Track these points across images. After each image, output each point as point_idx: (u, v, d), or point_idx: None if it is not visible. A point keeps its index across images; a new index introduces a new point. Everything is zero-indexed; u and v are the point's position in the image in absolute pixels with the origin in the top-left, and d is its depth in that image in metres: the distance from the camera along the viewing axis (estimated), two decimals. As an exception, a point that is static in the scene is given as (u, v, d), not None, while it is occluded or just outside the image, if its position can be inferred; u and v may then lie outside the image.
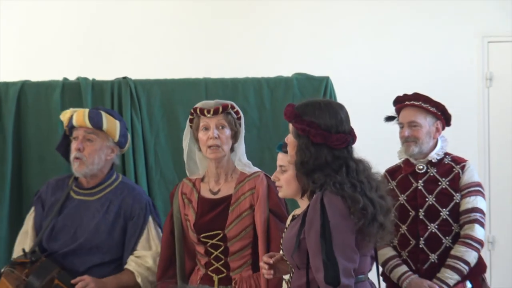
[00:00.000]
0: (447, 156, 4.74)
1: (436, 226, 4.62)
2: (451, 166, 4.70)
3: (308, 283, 3.62)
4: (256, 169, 4.46)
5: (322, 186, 3.58)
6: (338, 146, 3.63)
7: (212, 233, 4.36)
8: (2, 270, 4.46)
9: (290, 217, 4.08)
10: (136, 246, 4.58)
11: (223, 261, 4.39)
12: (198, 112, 4.41)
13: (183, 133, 5.08)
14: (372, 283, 3.77)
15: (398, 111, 4.79)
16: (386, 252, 4.66)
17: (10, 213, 5.10)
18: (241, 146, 4.47)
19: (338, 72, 5.67)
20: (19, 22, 6.74)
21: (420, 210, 4.64)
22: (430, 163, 4.70)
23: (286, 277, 3.94)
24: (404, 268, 4.63)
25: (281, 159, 3.98)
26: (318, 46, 6.58)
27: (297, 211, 4.01)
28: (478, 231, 4.59)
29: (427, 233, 4.62)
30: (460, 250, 4.57)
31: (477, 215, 4.61)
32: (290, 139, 3.73)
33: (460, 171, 4.68)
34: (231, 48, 6.56)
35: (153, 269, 4.55)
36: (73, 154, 4.59)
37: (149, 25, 6.63)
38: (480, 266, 4.69)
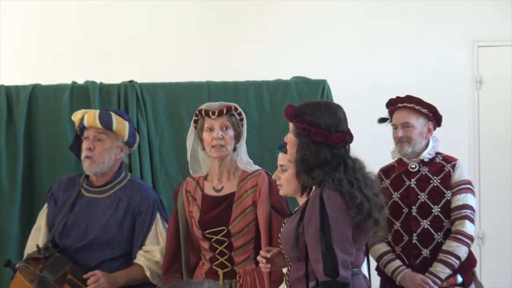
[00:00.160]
0: (438, 156, 4.75)
1: (428, 223, 4.63)
2: (442, 165, 4.71)
3: (307, 275, 3.63)
4: (257, 167, 4.48)
5: (321, 183, 3.61)
6: (337, 145, 3.66)
7: (216, 229, 4.38)
8: (17, 265, 4.46)
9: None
10: (144, 241, 4.59)
11: (227, 256, 4.41)
12: (203, 113, 4.43)
13: (187, 133, 5.12)
14: (365, 276, 3.81)
15: (391, 113, 4.80)
16: (381, 248, 4.68)
17: (21, 210, 5.11)
18: (243, 146, 4.48)
19: (335, 76, 5.68)
20: (30, 28, 6.76)
21: (413, 207, 4.65)
22: (422, 162, 4.72)
23: (285, 270, 3.97)
24: (397, 262, 4.64)
25: (281, 158, 3.99)
26: (316, 50, 6.60)
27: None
28: (468, 227, 4.61)
29: (419, 229, 4.63)
30: (451, 245, 4.58)
31: (467, 212, 4.62)
32: (290, 138, 3.75)
33: (451, 169, 4.69)
34: (232, 53, 6.57)
35: (161, 263, 4.56)
36: (84, 153, 4.60)
37: (154, 32, 6.66)
38: (470, 261, 4.71)
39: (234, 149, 4.46)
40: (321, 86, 5.31)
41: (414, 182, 4.70)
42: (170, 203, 4.86)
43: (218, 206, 4.42)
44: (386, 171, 4.80)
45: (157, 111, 5.25)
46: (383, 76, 6.41)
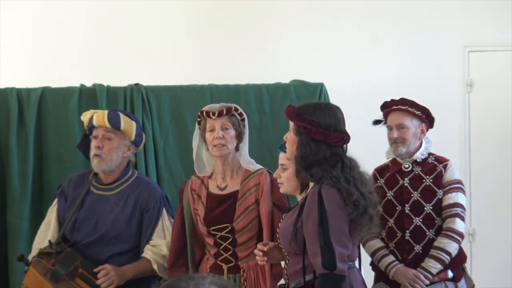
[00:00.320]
0: (430, 156, 4.76)
1: (421, 220, 4.64)
2: (434, 165, 4.72)
3: (304, 268, 3.66)
4: (259, 166, 4.50)
5: (319, 180, 3.65)
6: (336, 144, 3.70)
7: (221, 226, 4.41)
8: (31, 260, 4.48)
9: None
10: (151, 236, 4.61)
11: (231, 252, 4.43)
12: (204, 114, 4.46)
13: (190, 134, 5.14)
14: (359, 270, 3.85)
15: (385, 115, 4.81)
16: (375, 244, 4.69)
17: (31, 208, 5.13)
18: (245, 146, 4.49)
19: (331, 79, 5.70)
20: (41, 33, 6.75)
21: (406, 205, 4.66)
22: (415, 162, 4.73)
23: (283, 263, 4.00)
24: (391, 258, 4.65)
25: (282, 158, 4.01)
26: (313, 55, 6.58)
27: None
28: (459, 224, 4.62)
29: (412, 226, 4.64)
30: (442, 241, 4.59)
31: (458, 210, 4.63)
32: (290, 136, 3.78)
33: (442, 169, 4.70)
34: (234, 57, 6.56)
35: (167, 257, 4.59)
36: (93, 151, 4.62)
37: (159, 37, 6.63)
38: (460, 257, 4.71)
39: (237, 148, 4.49)
40: (319, 89, 5.33)
41: (408, 181, 4.70)
42: (174, 201, 4.86)
43: (223, 204, 4.44)
44: (380, 170, 4.81)
45: (162, 113, 5.27)
46: (378, 80, 6.41)
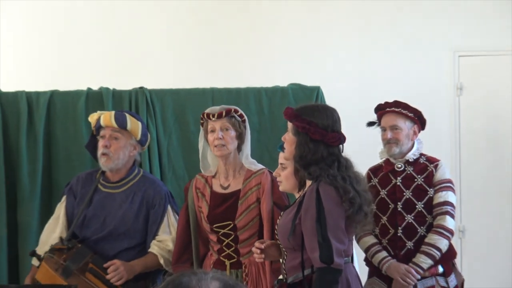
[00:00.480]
0: (422, 156, 4.78)
1: (412, 217, 4.67)
2: (425, 165, 4.74)
3: (302, 263, 3.68)
4: (261, 166, 4.51)
5: (317, 178, 3.67)
6: (333, 144, 3.72)
7: (223, 223, 4.43)
8: (43, 255, 4.50)
9: None
10: (157, 232, 4.62)
11: (233, 248, 4.44)
12: (205, 116, 4.48)
13: (193, 136, 5.19)
14: (353, 266, 3.88)
15: (379, 117, 4.83)
16: (369, 240, 4.71)
17: (41, 206, 5.13)
18: (247, 146, 4.51)
19: (328, 83, 5.71)
20: (50, 39, 6.74)
21: (399, 203, 4.68)
22: (407, 162, 4.75)
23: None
24: (384, 253, 4.67)
25: (281, 157, 4.03)
26: (311, 60, 6.58)
27: None
28: (449, 222, 4.63)
29: (404, 223, 4.66)
30: (433, 238, 4.61)
31: (448, 208, 4.65)
32: (288, 137, 3.81)
33: (433, 169, 4.72)
34: (234, 62, 6.56)
35: (173, 251, 4.60)
36: (100, 150, 4.63)
37: (163, 43, 6.57)
38: (450, 252, 4.74)
39: (240, 149, 4.50)
40: (315, 92, 5.34)
41: (400, 180, 4.73)
42: (177, 198, 4.88)
43: (225, 202, 4.46)
44: (374, 170, 4.83)
45: (165, 115, 5.28)
46: (373, 84, 6.40)
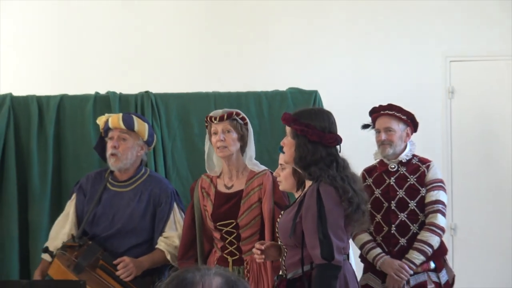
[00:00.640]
0: (414, 157, 4.80)
1: (405, 215, 4.69)
2: (418, 166, 4.76)
3: (302, 260, 3.71)
4: (263, 167, 4.53)
5: (317, 178, 3.70)
6: (331, 144, 3.74)
7: (226, 221, 4.45)
8: (55, 252, 4.53)
9: None
10: (164, 228, 4.63)
11: (236, 245, 4.46)
12: (209, 119, 4.52)
13: (196, 138, 5.22)
14: (350, 263, 3.91)
15: (374, 119, 4.85)
16: (363, 237, 4.73)
17: (51, 205, 5.15)
18: (250, 148, 4.52)
19: (325, 87, 5.71)
20: (60, 45, 6.75)
21: (392, 202, 4.70)
22: (400, 163, 4.77)
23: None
24: (378, 250, 4.69)
25: (281, 158, 4.07)
26: (309, 65, 6.59)
27: None
28: (440, 219, 4.66)
29: (397, 221, 4.68)
30: (425, 235, 4.63)
31: (440, 206, 4.68)
32: (287, 140, 3.82)
33: (425, 169, 4.74)
34: (236, 67, 6.57)
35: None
36: (109, 151, 4.65)
37: (168, 48, 6.60)
38: (442, 249, 4.75)
39: (244, 151, 4.52)
40: (313, 96, 5.35)
41: (393, 180, 4.75)
42: (181, 197, 4.89)
43: (229, 201, 4.48)
44: (369, 171, 4.85)
45: (170, 118, 5.29)
46: (368, 87, 6.41)
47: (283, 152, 3.97)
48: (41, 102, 5.26)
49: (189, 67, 6.57)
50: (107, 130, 4.70)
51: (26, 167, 5.18)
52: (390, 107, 4.81)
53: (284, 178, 4.05)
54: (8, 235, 5.08)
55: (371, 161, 4.92)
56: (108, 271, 4.51)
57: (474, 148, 6.52)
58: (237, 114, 4.50)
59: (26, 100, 5.26)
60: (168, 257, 4.61)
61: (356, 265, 4.43)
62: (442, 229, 4.68)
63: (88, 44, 6.66)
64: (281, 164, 4.08)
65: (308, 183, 3.80)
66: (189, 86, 5.65)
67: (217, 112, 4.53)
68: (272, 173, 4.43)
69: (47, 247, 4.62)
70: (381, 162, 4.83)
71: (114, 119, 4.66)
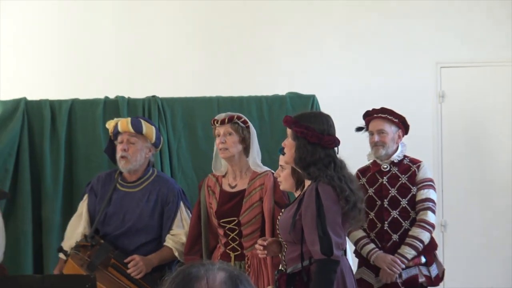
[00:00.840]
0: (406, 158, 4.84)
1: (397, 213, 4.71)
2: (409, 166, 4.79)
3: (302, 255, 3.74)
4: (266, 168, 4.55)
5: (316, 178, 3.73)
6: (329, 146, 3.77)
7: (229, 219, 4.48)
8: (69, 252, 4.55)
9: None
10: (172, 226, 4.66)
11: (238, 242, 4.48)
12: (213, 122, 4.57)
13: (200, 140, 5.26)
14: (346, 258, 3.94)
15: (367, 122, 4.88)
16: (358, 234, 4.76)
17: (63, 203, 5.20)
18: (253, 150, 4.53)
19: (322, 92, 5.72)
20: (69, 52, 6.77)
21: (385, 200, 4.73)
22: (392, 163, 4.80)
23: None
24: (372, 245, 4.72)
25: (281, 160, 4.11)
26: (307, 70, 6.57)
27: None
28: (430, 216, 4.69)
29: (390, 218, 4.71)
30: (416, 231, 4.66)
31: (430, 204, 4.70)
32: (288, 142, 3.84)
33: (416, 169, 4.77)
34: (238, 72, 6.56)
35: None
36: (119, 154, 4.68)
37: (173, 55, 6.60)
38: (432, 244, 4.79)
39: (247, 152, 4.54)
40: (311, 100, 5.38)
41: (386, 180, 4.77)
42: (186, 196, 4.93)
43: (232, 200, 4.51)
44: (363, 171, 4.88)
45: (175, 121, 5.32)
46: (362, 92, 6.40)
47: (283, 154, 4.00)
48: (53, 106, 5.30)
49: (194, 73, 6.57)
50: (116, 133, 4.73)
51: (39, 167, 5.23)
52: (383, 110, 4.84)
53: (284, 178, 4.08)
54: (22, 231, 5.12)
55: (364, 163, 4.94)
56: (120, 269, 4.54)
57: (463, 149, 6.52)
58: (239, 118, 4.53)
59: (39, 104, 5.31)
60: (176, 254, 4.65)
61: (351, 260, 4.45)
62: (432, 226, 4.70)
63: (98, 50, 6.66)
64: (281, 165, 4.12)
65: (307, 183, 3.83)
66: (193, 91, 5.68)
67: (220, 116, 4.57)
68: (273, 174, 4.44)
69: (61, 247, 4.66)
70: (374, 163, 4.86)
71: (123, 123, 4.69)
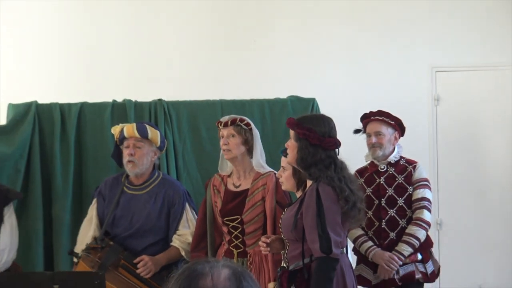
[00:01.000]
0: (402, 159, 4.85)
1: (394, 211, 4.73)
2: (405, 166, 4.81)
3: (303, 253, 3.77)
4: (269, 169, 4.57)
5: (317, 179, 3.75)
6: (330, 148, 3.79)
7: (233, 217, 4.51)
8: (80, 254, 4.58)
9: None
10: (178, 227, 4.69)
11: (240, 239, 4.51)
12: (217, 124, 4.60)
13: (204, 141, 5.29)
14: (347, 256, 3.97)
15: (365, 124, 4.90)
16: (356, 232, 4.77)
17: (72, 202, 5.21)
18: (257, 151, 4.54)
19: (322, 95, 5.72)
20: (78, 57, 6.77)
21: (382, 199, 4.75)
22: (389, 164, 4.82)
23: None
24: (370, 243, 4.73)
25: (283, 161, 4.14)
26: (306, 74, 6.60)
27: None
28: (426, 215, 4.71)
29: (387, 217, 4.72)
30: (412, 229, 4.68)
31: (425, 203, 4.72)
32: (291, 143, 3.86)
33: (412, 170, 4.78)
34: (240, 77, 6.57)
35: None
36: (126, 158, 4.69)
37: (178, 60, 6.63)
38: (428, 242, 4.81)
39: (251, 153, 4.54)
40: (311, 103, 5.40)
41: (383, 180, 4.79)
42: (191, 196, 4.94)
43: (235, 199, 4.54)
44: (361, 171, 4.88)
45: (181, 124, 5.33)
46: (360, 96, 6.42)
47: (285, 155, 4.03)
48: (63, 109, 5.32)
49: (199, 77, 6.56)
50: (122, 139, 4.74)
51: (50, 169, 5.25)
52: (380, 113, 4.86)
53: (285, 179, 4.12)
54: (34, 229, 5.14)
55: (362, 164, 4.94)
56: (129, 270, 4.57)
57: (458, 150, 6.53)
58: (241, 120, 4.55)
59: (49, 108, 5.33)
60: (183, 253, 4.68)
61: (350, 258, 4.45)
62: (428, 224, 4.73)
63: (107, 54, 6.65)
64: (282, 166, 4.15)
65: (309, 183, 3.86)
66: (198, 95, 5.70)
67: (224, 118, 4.61)
68: (276, 175, 4.46)
69: (72, 250, 4.69)
70: (371, 164, 4.88)
71: (129, 129, 4.70)
